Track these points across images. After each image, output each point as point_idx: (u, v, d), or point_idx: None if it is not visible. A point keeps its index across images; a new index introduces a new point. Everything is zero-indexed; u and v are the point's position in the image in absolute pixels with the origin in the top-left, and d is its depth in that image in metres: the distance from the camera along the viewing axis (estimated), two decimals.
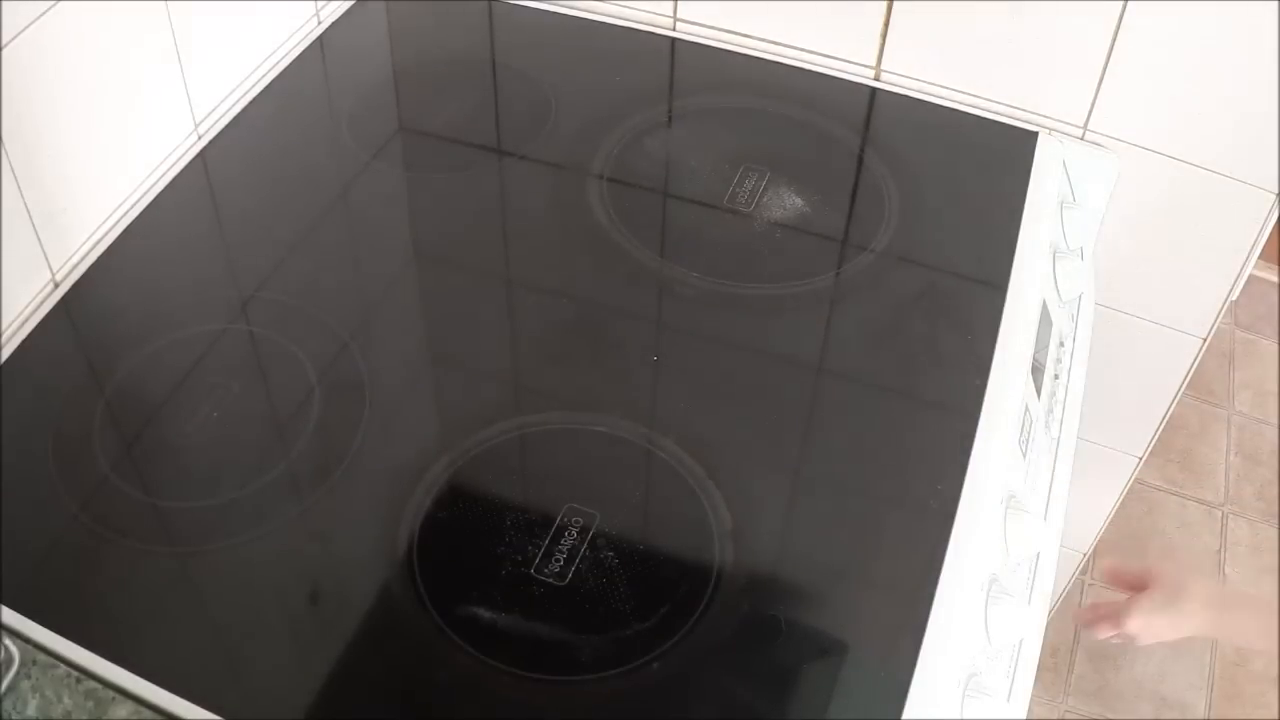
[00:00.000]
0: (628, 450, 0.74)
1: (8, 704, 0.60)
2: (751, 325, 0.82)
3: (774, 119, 0.97)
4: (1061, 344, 0.90)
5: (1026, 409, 0.78)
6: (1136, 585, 0.82)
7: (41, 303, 0.80)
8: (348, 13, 1.05)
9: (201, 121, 0.92)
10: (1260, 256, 1.00)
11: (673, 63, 1.03)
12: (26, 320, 0.79)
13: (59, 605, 0.65)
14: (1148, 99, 0.91)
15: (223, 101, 0.94)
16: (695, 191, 0.91)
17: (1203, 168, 0.93)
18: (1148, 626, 0.81)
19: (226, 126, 0.93)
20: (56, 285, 0.81)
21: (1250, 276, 1.05)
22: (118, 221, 0.85)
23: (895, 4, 0.95)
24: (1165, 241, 0.98)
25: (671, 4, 1.03)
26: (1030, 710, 0.76)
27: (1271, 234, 0.95)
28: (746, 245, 0.87)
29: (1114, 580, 0.85)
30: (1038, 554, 0.78)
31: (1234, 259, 0.97)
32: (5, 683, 0.60)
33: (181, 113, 0.90)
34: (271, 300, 0.82)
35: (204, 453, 0.73)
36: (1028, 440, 0.78)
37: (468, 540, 0.69)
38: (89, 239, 0.84)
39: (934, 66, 0.97)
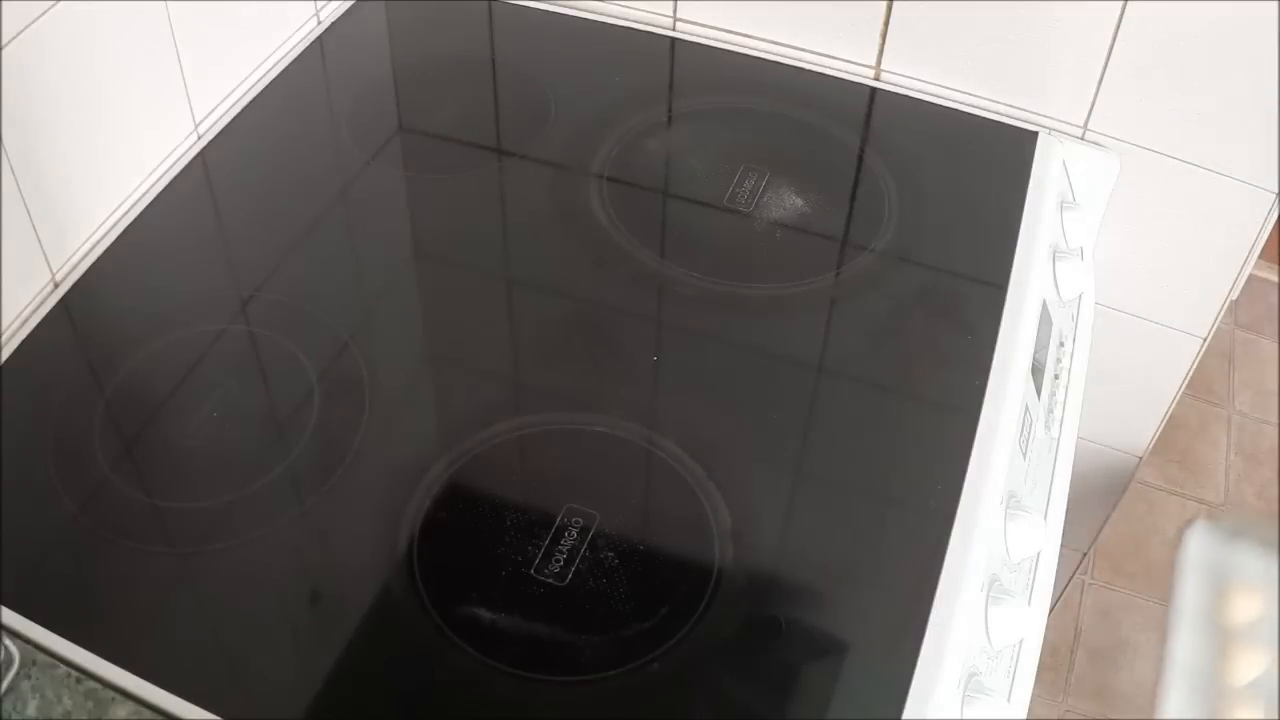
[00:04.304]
0: (628, 450, 0.74)
1: (8, 704, 0.60)
2: (751, 325, 0.82)
3: (774, 119, 0.97)
4: (1061, 344, 0.90)
5: (1026, 409, 0.78)
6: None
7: (41, 303, 0.80)
8: (348, 13, 1.05)
9: (201, 121, 0.92)
10: (1260, 256, 1.00)
11: (673, 63, 1.03)
12: (26, 320, 0.79)
13: (59, 605, 0.65)
14: (1148, 99, 0.91)
15: (223, 101, 0.94)
16: (695, 191, 0.91)
17: (1203, 168, 0.93)
18: None
19: (226, 126, 0.93)
20: (56, 285, 0.81)
21: (1250, 276, 1.05)
22: (118, 221, 0.85)
23: (895, 4, 0.95)
24: (1165, 241, 0.98)
25: (671, 4, 1.03)
26: (1030, 710, 0.76)
27: (1271, 234, 0.95)
28: (746, 245, 0.87)
29: None
30: (1038, 554, 0.78)
31: (1234, 259, 0.97)
32: (5, 683, 0.60)
33: (181, 113, 0.90)
34: (271, 300, 0.82)
35: (204, 453, 0.73)
36: (1028, 440, 0.78)
37: (468, 540, 0.69)
38: (89, 239, 0.84)
39: (934, 66, 0.97)
